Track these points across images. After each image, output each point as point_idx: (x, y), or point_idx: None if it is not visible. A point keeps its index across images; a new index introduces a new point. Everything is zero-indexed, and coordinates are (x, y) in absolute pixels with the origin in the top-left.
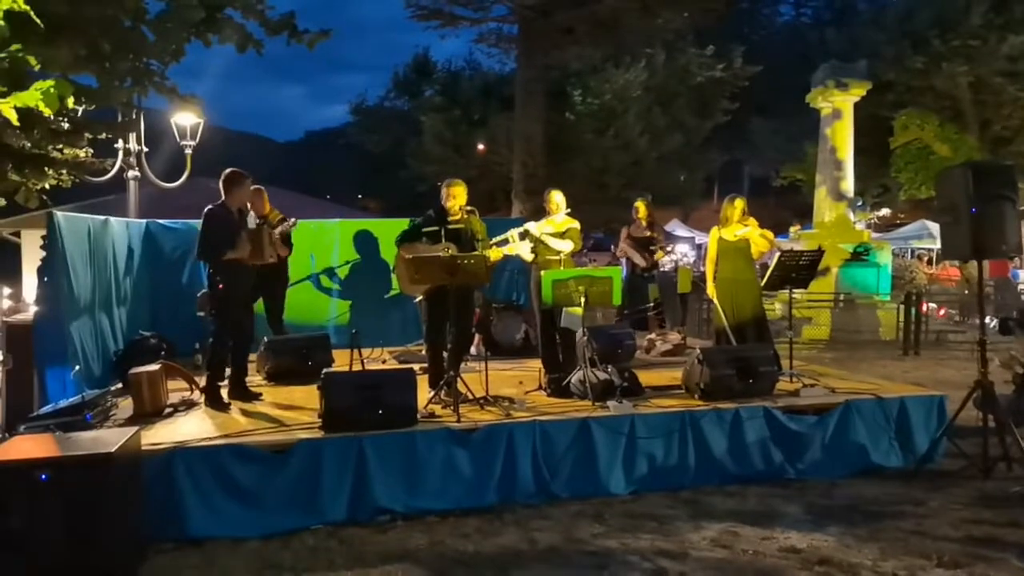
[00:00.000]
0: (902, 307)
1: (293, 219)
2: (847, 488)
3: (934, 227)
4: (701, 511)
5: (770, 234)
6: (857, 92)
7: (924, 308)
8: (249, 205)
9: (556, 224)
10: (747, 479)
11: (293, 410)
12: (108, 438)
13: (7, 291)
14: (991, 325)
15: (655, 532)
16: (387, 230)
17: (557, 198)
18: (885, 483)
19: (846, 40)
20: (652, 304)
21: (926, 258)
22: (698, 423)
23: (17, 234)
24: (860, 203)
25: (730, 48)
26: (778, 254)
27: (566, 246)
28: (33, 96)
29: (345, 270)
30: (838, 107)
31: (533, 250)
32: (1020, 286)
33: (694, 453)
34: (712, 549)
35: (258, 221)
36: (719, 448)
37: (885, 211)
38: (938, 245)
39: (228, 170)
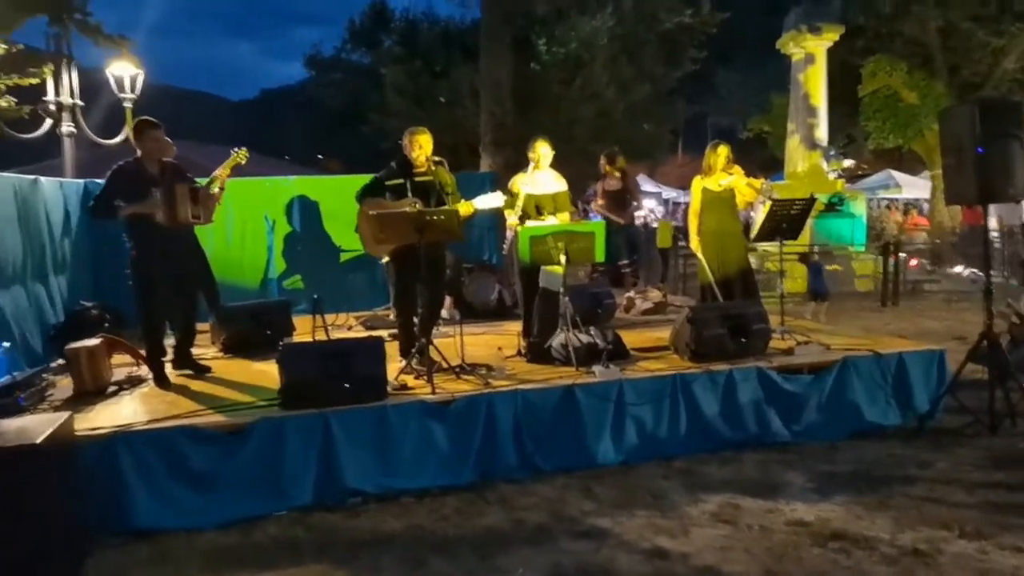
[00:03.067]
0: (879, 258)
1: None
2: (848, 451)
3: (900, 176)
4: (698, 482)
5: (757, 182)
6: (830, 36)
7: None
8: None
9: (541, 181)
10: (742, 444)
11: (250, 386)
12: (35, 426)
13: None
14: (965, 274)
15: (650, 507)
16: (349, 187)
17: (543, 149)
18: (886, 443)
19: None
20: (629, 261)
21: (895, 207)
22: (690, 387)
23: None
24: (833, 152)
25: None
26: (769, 203)
27: (563, 217)
28: None
29: (305, 230)
30: (811, 52)
31: (522, 216)
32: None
33: (686, 419)
34: (714, 524)
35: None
36: (712, 413)
37: (850, 162)
38: (904, 195)
39: (136, 119)
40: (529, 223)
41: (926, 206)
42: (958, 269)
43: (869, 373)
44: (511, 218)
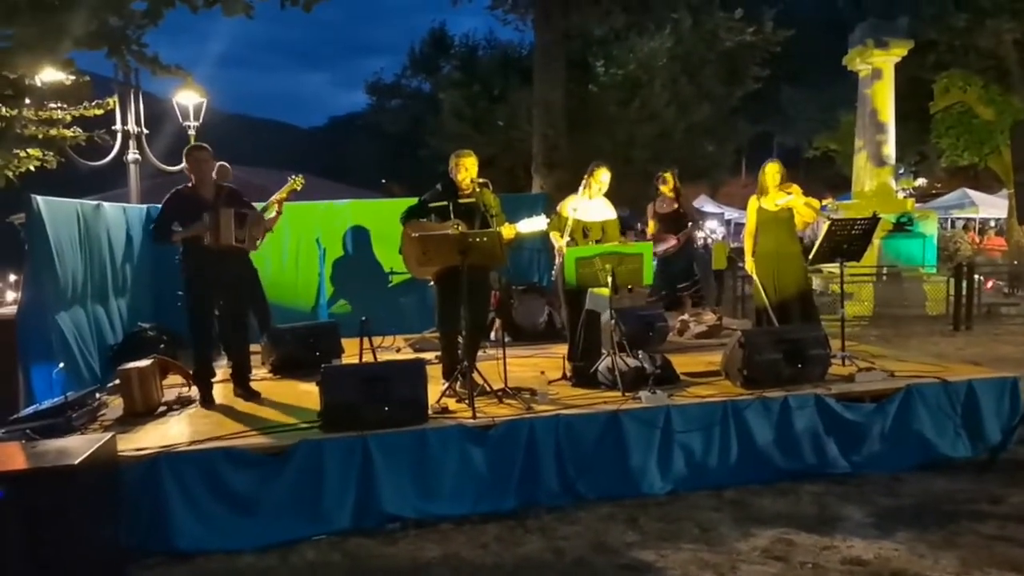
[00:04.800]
0: (951, 280)
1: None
2: (912, 484)
3: (976, 195)
4: (749, 514)
5: (816, 202)
6: (898, 51)
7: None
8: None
9: (591, 208)
10: (798, 475)
11: (295, 408)
12: (76, 447)
13: (12, 280)
14: None
15: (697, 540)
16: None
17: (604, 177)
18: (954, 477)
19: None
20: (689, 283)
21: (971, 228)
22: (741, 414)
23: None
24: (902, 170)
25: (760, 11)
26: (827, 223)
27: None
28: None
29: (357, 253)
30: (878, 67)
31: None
32: None
33: (737, 447)
34: (764, 561)
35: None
36: (766, 441)
37: (921, 180)
38: (981, 214)
39: (187, 146)
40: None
41: (1004, 226)
42: None
43: (936, 401)
44: (558, 241)
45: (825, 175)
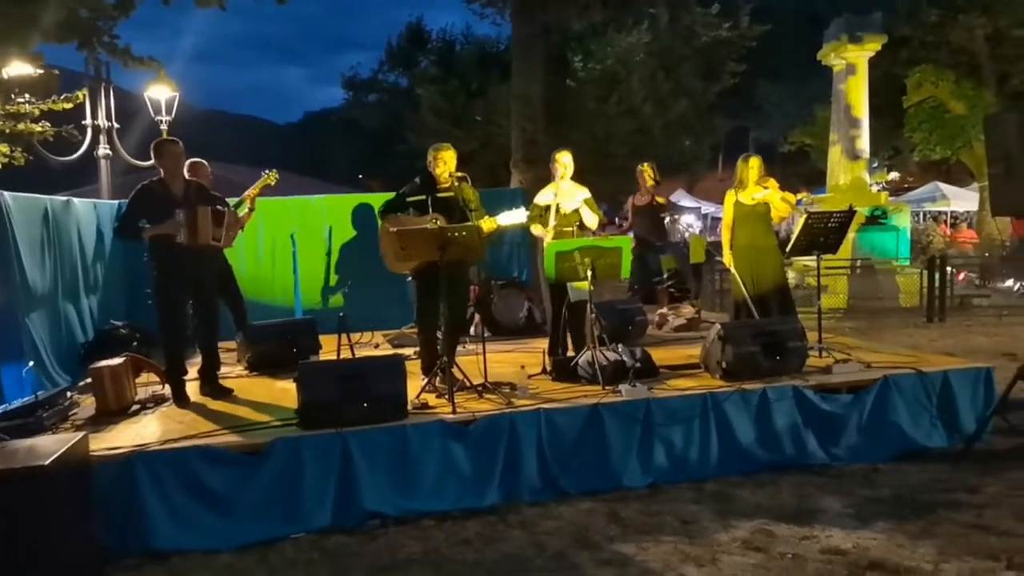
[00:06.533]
0: (924, 272)
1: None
2: (889, 474)
3: (948, 188)
4: (729, 506)
5: (792, 197)
6: (872, 46)
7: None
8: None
9: (566, 192)
10: (777, 467)
11: (271, 406)
12: (46, 447)
13: None
14: (1016, 288)
15: (678, 533)
16: (377, 205)
17: (566, 159)
18: (931, 467)
19: None
20: (667, 275)
21: (943, 221)
22: (721, 406)
23: None
24: (876, 164)
25: (736, 6)
26: (804, 216)
27: (593, 219)
28: None
29: (335, 249)
30: (852, 62)
31: (556, 225)
32: None
33: (717, 440)
34: (744, 552)
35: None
36: (745, 434)
37: (894, 174)
38: (952, 207)
39: (156, 140)
40: (545, 239)
41: (975, 219)
42: (1008, 283)
43: (912, 392)
44: (544, 234)
45: (800, 169)
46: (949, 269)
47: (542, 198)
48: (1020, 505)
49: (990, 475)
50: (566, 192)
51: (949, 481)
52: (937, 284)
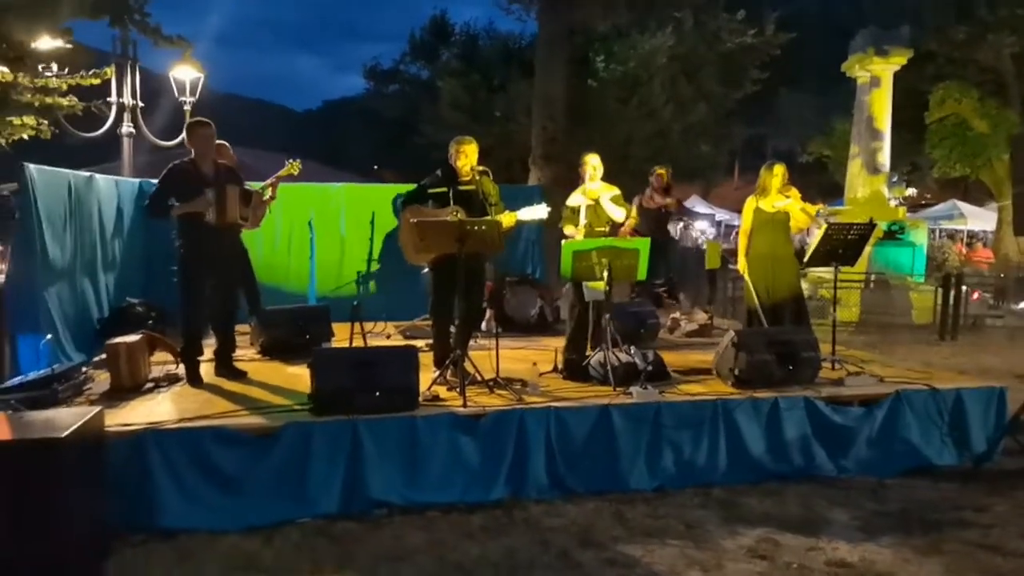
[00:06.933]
0: (939, 290)
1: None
2: (898, 489)
3: (965, 207)
4: (735, 513)
5: (812, 208)
6: (898, 60)
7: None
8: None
9: (593, 192)
10: (785, 477)
11: (283, 390)
12: (63, 419)
13: None
14: None
15: (684, 537)
16: (395, 195)
17: (594, 161)
18: (939, 484)
19: (884, 8)
20: (663, 280)
21: (959, 239)
22: (731, 413)
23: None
24: (895, 178)
25: (762, 13)
26: (824, 226)
27: (620, 213)
28: None
29: (351, 237)
30: (877, 75)
31: (586, 221)
32: None
33: (726, 447)
34: (749, 560)
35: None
36: (755, 442)
37: (912, 190)
38: (969, 226)
39: (189, 120)
40: (576, 237)
41: (991, 238)
42: (1022, 305)
43: (924, 408)
44: (576, 233)
45: (817, 180)
46: (963, 288)
47: (573, 200)
48: None
49: (998, 495)
50: (596, 194)
51: (957, 499)
52: (951, 302)
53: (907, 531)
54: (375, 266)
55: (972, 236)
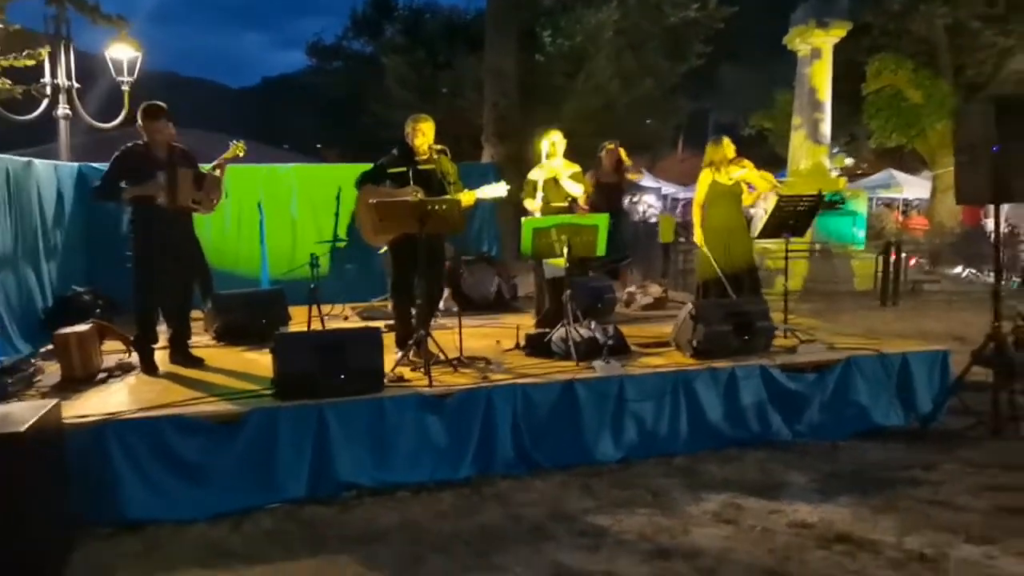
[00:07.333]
0: (879, 257)
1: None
2: (850, 451)
3: (901, 176)
4: (698, 480)
5: (770, 175)
6: (838, 32)
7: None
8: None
9: (554, 169)
10: (743, 443)
11: (243, 375)
12: (19, 414)
13: None
14: (964, 275)
15: (651, 506)
16: (346, 175)
17: (554, 138)
18: (889, 445)
19: None
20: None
21: (896, 207)
22: (691, 384)
23: None
24: (835, 149)
25: None
26: (776, 199)
27: (578, 189)
28: None
29: (303, 219)
30: (818, 47)
31: (543, 195)
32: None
33: (687, 416)
34: (716, 525)
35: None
36: (714, 411)
37: (850, 160)
38: (904, 194)
39: (145, 104)
40: (535, 213)
41: (926, 206)
42: (957, 270)
43: (873, 373)
44: (535, 209)
45: (759, 153)
46: (902, 255)
47: (534, 174)
48: (974, 482)
49: (945, 453)
50: (557, 171)
51: (907, 459)
52: (891, 269)
53: (862, 491)
54: (332, 247)
55: (907, 204)
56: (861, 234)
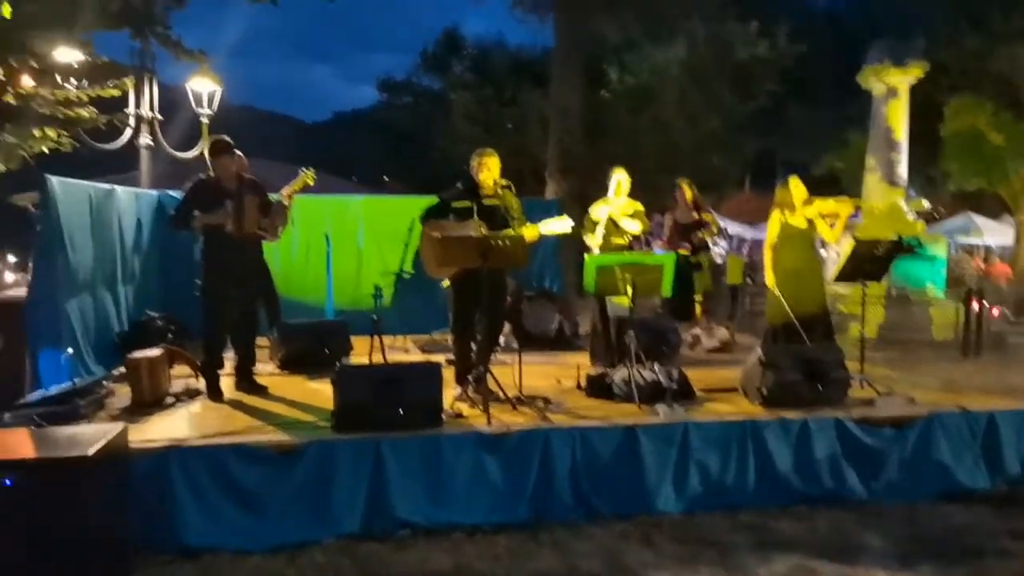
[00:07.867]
0: (960, 305)
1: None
2: (931, 514)
3: (980, 220)
4: (766, 538)
5: (847, 201)
6: (915, 71)
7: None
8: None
9: (621, 206)
10: (814, 500)
11: (304, 406)
12: (88, 436)
13: (12, 261)
14: None
15: (715, 564)
16: (413, 208)
17: (620, 176)
18: (974, 509)
19: (896, 19)
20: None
21: (976, 253)
22: (760, 434)
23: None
24: (912, 192)
25: (774, 25)
26: (852, 242)
27: (636, 227)
28: None
29: (369, 250)
30: (894, 86)
31: (604, 235)
32: None
33: (755, 468)
34: None
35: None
36: (784, 464)
37: (927, 203)
38: (984, 240)
39: (212, 139)
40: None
41: (1008, 253)
42: None
43: (957, 431)
44: (595, 246)
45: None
46: (984, 303)
47: (596, 211)
48: None
49: None
50: (619, 211)
51: (993, 525)
52: (973, 318)
53: (945, 559)
54: (397, 279)
55: (988, 250)
56: (941, 281)
